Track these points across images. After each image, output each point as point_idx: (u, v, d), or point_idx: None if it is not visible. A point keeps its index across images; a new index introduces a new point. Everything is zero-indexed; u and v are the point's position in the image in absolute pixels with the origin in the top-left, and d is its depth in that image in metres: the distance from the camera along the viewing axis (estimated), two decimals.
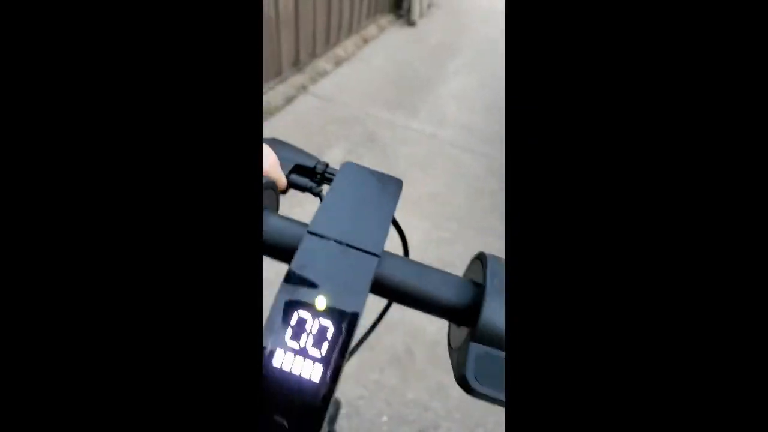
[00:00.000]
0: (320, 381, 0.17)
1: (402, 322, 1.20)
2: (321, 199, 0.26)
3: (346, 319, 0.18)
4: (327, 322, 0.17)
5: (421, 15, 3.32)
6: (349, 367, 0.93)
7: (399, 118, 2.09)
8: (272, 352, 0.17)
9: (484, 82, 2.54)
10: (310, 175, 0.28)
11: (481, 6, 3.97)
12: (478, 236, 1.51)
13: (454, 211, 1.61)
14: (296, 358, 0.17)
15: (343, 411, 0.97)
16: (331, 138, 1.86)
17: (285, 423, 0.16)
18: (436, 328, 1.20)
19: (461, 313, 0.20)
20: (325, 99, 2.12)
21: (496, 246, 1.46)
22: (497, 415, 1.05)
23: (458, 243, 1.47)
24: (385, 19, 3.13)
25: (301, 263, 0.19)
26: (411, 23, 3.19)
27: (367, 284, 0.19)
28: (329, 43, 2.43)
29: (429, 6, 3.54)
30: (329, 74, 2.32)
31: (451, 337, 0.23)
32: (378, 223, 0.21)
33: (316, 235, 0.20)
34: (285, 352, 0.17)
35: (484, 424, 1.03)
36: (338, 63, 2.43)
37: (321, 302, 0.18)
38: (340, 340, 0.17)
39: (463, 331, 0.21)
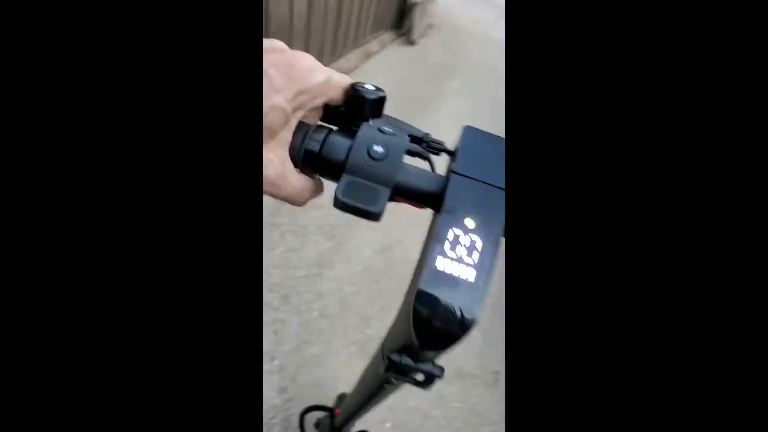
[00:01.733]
0: (475, 280, 0.21)
1: None
2: (430, 164, 0.31)
3: (491, 235, 0.22)
4: (476, 237, 0.22)
5: (422, 35, 3.44)
6: (352, 375, 0.96)
7: None
8: (435, 258, 0.21)
9: (478, 107, 2.66)
10: (419, 143, 0.32)
11: (478, 31, 4.15)
12: None
13: None
14: (454, 263, 0.21)
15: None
16: None
17: (455, 308, 0.20)
18: None
19: None
20: None
21: None
22: (494, 426, 1.10)
23: None
24: (387, 36, 3.23)
25: (453, 195, 0.23)
26: (411, 42, 3.30)
27: (503, 211, 0.23)
28: (335, 55, 2.49)
29: (429, 27, 3.67)
30: None
31: None
32: (499, 167, 0.26)
33: (461, 175, 0.25)
34: (445, 258, 0.21)
35: None
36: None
37: (470, 223, 0.22)
38: (487, 251, 0.22)
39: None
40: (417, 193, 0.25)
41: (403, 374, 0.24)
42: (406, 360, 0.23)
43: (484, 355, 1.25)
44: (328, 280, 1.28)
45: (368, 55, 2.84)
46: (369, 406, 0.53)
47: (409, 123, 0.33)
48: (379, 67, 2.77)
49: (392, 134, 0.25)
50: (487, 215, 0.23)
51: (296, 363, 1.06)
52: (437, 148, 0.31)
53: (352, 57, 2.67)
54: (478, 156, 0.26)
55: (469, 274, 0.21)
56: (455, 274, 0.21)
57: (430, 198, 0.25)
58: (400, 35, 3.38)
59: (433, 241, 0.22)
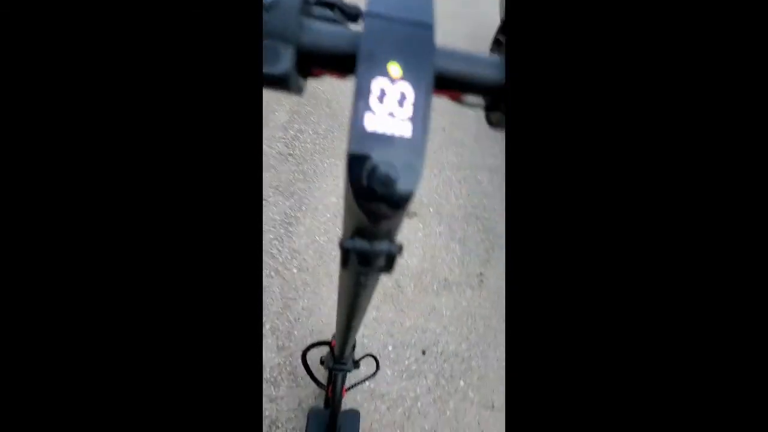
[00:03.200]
0: (413, 135, 0.18)
1: None
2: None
3: (421, 82, 0.19)
4: (405, 85, 0.19)
5: None
6: None
7: None
8: (362, 117, 0.18)
9: None
10: (329, 7, 0.27)
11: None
12: (473, 221, 1.59)
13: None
14: (386, 120, 0.18)
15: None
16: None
17: (392, 168, 0.18)
18: (417, 260, 1.29)
19: (500, 91, 0.22)
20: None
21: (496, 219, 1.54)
22: (486, 320, 1.18)
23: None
24: None
25: (368, 38, 0.20)
26: None
27: (432, 52, 0.20)
28: None
29: None
30: None
31: (491, 118, 0.26)
32: (425, 2, 0.22)
33: (375, 14, 0.21)
34: (374, 115, 0.18)
35: (476, 330, 1.16)
36: None
37: (395, 70, 0.19)
38: (422, 100, 0.19)
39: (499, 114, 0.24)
40: (329, 54, 0.21)
41: (363, 262, 0.22)
42: (361, 243, 0.21)
43: (465, 263, 1.31)
44: (300, 235, 1.28)
45: None
46: (354, 323, 0.52)
47: None
48: None
49: None
50: (414, 58, 0.20)
51: (288, 320, 1.08)
52: (352, 14, 0.27)
53: None
54: None
55: (404, 130, 0.18)
56: (389, 132, 0.18)
57: (348, 59, 0.21)
58: None
59: (357, 97, 0.19)
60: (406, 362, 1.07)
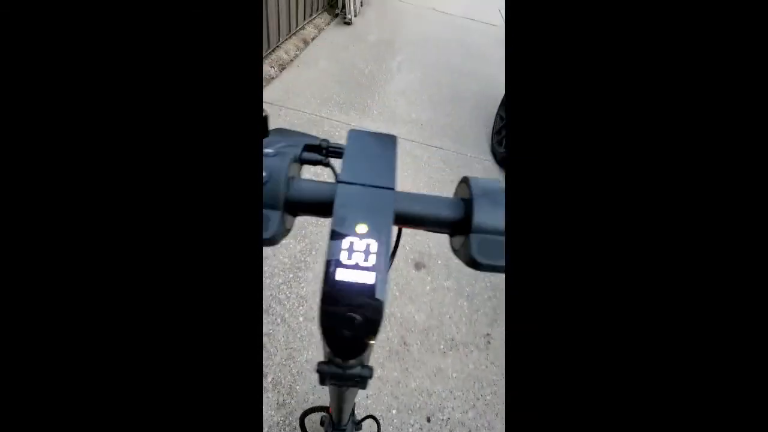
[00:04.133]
0: (375, 282, 0.22)
1: (393, 315, 1.24)
2: (332, 169, 0.32)
3: (383, 236, 0.23)
4: (370, 241, 0.23)
5: (356, 14, 3.34)
6: None
7: (353, 118, 2.10)
8: (335, 271, 0.22)
9: (426, 78, 2.65)
10: (317, 151, 0.34)
11: (411, 3, 4.09)
12: None
13: None
14: (353, 271, 0.22)
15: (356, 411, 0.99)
16: None
17: (357, 316, 0.21)
18: (425, 316, 1.26)
19: (460, 223, 0.27)
20: (277, 105, 2.06)
21: None
22: (494, 387, 1.14)
23: None
24: (322, 19, 3.11)
25: (341, 205, 0.24)
26: (347, 22, 3.20)
27: (391, 210, 0.24)
28: (270, 47, 2.36)
29: (362, 5, 3.57)
30: (275, 79, 2.26)
31: (453, 243, 0.30)
32: (388, 166, 0.27)
33: (346, 183, 0.26)
34: (345, 269, 0.22)
35: (483, 397, 1.11)
36: (282, 66, 2.37)
37: (362, 228, 0.23)
38: (382, 251, 0.22)
39: (460, 238, 0.28)
40: (310, 205, 0.26)
41: (338, 382, 0.26)
42: (334, 369, 0.25)
43: (473, 321, 1.29)
44: (308, 282, 1.25)
45: (306, 42, 2.73)
46: (345, 406, 0.55)
47: (306, 133, 0.35)
48: (320, 54, 2.67)
49: (273, 155, 0.27)
50: (377, 217, 0.24)
51: (290, 373, 1.03)
52: (338, 151, 0.32)
53: (290, 47, 2.55)
54: (364, 159, 0.27)
55: (368, 278, 0.22)
56: (355, 280, 0.21)
57: (325, 207, 0.26)
58: (335, 16, 3.26)
59: (330, 253, 0.22)
60: (411, 430, 1.01)
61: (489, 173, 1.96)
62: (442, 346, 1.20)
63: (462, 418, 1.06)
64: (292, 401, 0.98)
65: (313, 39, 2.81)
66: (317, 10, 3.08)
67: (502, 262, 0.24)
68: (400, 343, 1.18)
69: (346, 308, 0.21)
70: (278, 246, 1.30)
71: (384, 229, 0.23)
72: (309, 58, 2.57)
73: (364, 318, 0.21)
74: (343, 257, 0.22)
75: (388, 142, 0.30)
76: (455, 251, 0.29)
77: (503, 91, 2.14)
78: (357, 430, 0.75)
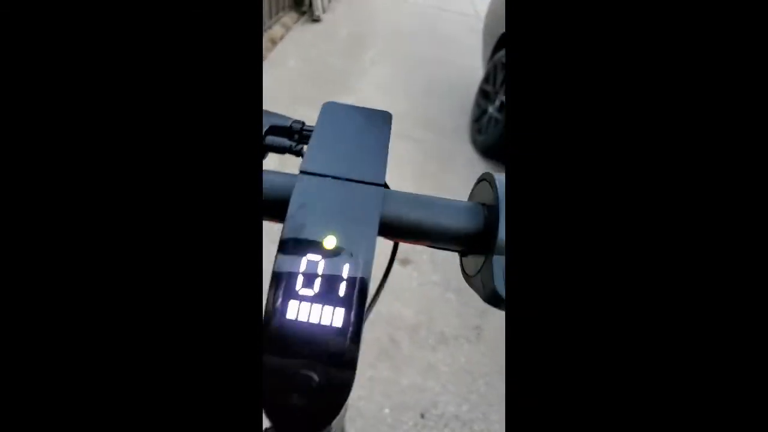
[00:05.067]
0: (344, 324, 0.15)
1: (380, 314, 1.22)
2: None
3: (361, 255, 0.16)
4: (340, 261, 0.16)
5: (324, 10, 3.27)
6: None
7: None
8: (284, 306, 0.15)
9: (400, 70, 2.62)
10: (287, 135, 0.26)
11: None
12: None
13: None
14: (313, 306, 0.15)
15: (348, 414, 0.96)
16: None
17: (314, 376, 0.15)
18: (413, 312, 1.25)
19: (477, 238, 0.19)
20: None
21: None
22: (486, 378, 1.13)
23: None
24: (289, 18, 3.03)
25: (299, 206, 0.17)
26: (315, 19, 3.14)
27: (377, 216, 0.17)
28: None
29: (330, 1, 3.51)
30: None
31: (466, 266, 0.21)
32: (376, 153, 0.19)
33: (310, 174, 0.18)
34: (300, 302, 0.15)
35: (477, 389, 1.11)
36: None
37: (330, 242, 0.16)
38: (358, 278, 0.15)
39: (477, 259, 0.20)
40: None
41: None
42: None
43: (462, 314, 1.27)
44: None
45: (274, 42, 2.66)
46: None
47: (274, 111, 0.27)
48: (289, 52, 2.61)
49: None
50: (353, 225, 0.16)
51: None
52: (309, 136, 0.25)
53: None
54: (341, 143, 0.19)
55: (335, 317, 0.15)
56: (314, 321, 0.15)
57: (279, 208, 0.18)
58: (302, 13, 3.20)
59: (277, 280, 0.15)
60: (405, 427, 1.00)
61: (472, 164, 1.95)
62: (431, 341, 1.19)
63: (456, 411, 1.05)
64: None
65: (281, 38, 2.75)
66: (283, 9, 3.01)
67: None
68: (390, 341, 1.16)
69: (298, 363, 0.14)
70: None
71: (363, 243, 0.16)
72: (277, 58, 2.51)
73: (326, 379, 0.15)
74: (298, 284, 0.15)
75: (379, 120, 0.21)
76: (468, 279, 0.20)
77: (479, 79, 2.14)
78: None
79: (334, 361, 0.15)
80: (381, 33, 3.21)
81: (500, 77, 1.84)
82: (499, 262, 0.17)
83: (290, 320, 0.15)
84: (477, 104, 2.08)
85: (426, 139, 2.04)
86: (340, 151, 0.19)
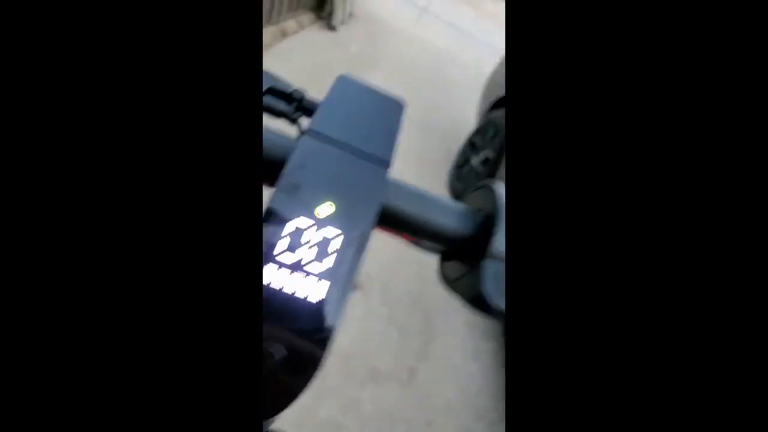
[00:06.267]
0: (320, 302, 0.14)
1: None
2: (299, 129, 0.22)
3: (356, 229, 0.15)
4: (333, 231, 0.15)
5: (343, 22, 3.32)
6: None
7: None
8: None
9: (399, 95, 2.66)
10: (286, 99, 0.25)
11: (399, 28, 4.18)
12: None
13: None
14: (292, 275, 0.14)
15: None
16: None
17: (277, 350, 0.13)
18: (349, 340, 1.18)
19: (468, 243, 0.19)
20: None
21: None
22: (408, 425, 1.07)
23: None
24: (306, 18, 3.04)
25: (298, 165, 0.16)
26: (331, 28, 3.16)
27: (380, 194, 0.16)
28: None
29: (350, 15, 3.57)
30: None
31: (446, 269, 0.21)
32: (386, 132, 0.19)
33: (317, 134, 0.17)
34: (278, 268, 0.14)
35: None
36: None
37: (326, 208, 0.15)
38: (349, 253, 0.14)
39: (460, 264, 0.20)
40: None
41: None
42: None
43: (400, 353, 1.22)
44: None
45: (284, 34, 2.63)
46: None
47: (278, 76, 0.26)
48: (296, 48, 2.58)
49: None
50: (354, 195, 0.16)
51: None
52: (309, 108, 0.23)
53: (266, 34, 2.43)
54: (351, 113, 0.19)
55: (316, 290, 0.14)
56: (291, 291, 0.14)
57: (274, 170, 0.17)
58: (320, 18, 3.21)
59: (263, 236, 0.14)
60: None
61: None
62: (361, 375, 1.12)
63: None
64: None
65: (293, 33, 2.73)
66: (303, 7, 3.01)
67: None
68: None
69: (267, 332, 0.13)
70: None
71: (361, 218, 0.15)
72: (284, 51, 2.47)
73: (294, 353, 0.13)
74: (280, 248, 0.14)
75: (392, 104, 0.21)
76: (449, 282, 0.20)
77: (471, 128, 2.20)
78: None
79: (306, 336, 0.14)
80: (390, 59, 3.28)
81: (490, 133, 1.91)
82: (491, 267, 0.17)
83: (265, 288, 0.14)
84: (463, 152, 2.14)
85: (407, 170, 2.05)
86: (351, 122, 0.18)
